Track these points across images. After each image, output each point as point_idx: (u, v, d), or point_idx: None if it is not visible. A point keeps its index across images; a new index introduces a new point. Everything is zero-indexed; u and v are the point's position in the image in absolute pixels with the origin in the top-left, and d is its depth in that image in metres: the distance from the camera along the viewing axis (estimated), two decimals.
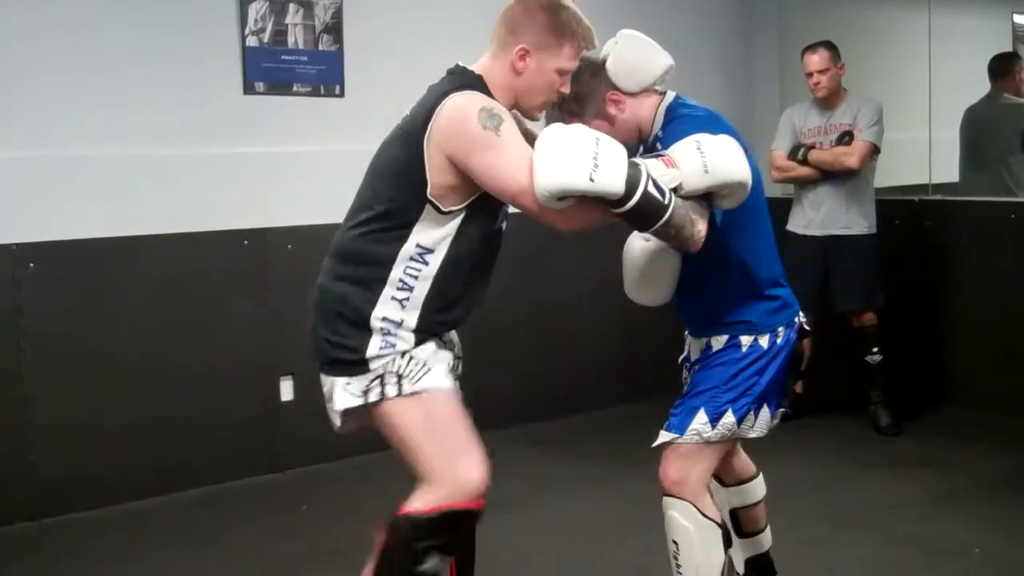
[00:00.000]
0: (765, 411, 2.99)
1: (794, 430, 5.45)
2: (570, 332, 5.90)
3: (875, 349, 5.51)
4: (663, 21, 6.02)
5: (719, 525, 2.98)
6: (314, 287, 2.85)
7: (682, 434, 2.94)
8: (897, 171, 6.04)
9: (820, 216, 5.48)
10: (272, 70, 4.96)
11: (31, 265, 4.44)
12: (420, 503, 2.67)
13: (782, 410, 3.08)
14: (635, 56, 2.95)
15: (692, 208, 2.64)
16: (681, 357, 3.24)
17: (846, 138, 5.41)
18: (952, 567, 3.89)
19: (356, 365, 2.69)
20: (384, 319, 2.67)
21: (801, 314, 3.08)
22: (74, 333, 4.54)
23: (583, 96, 2.88)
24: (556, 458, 5.19)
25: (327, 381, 2.81)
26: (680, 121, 2.91)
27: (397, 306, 2.67)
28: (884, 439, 5.41)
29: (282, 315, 5.02)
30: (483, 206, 2.67)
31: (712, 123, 2.89)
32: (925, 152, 6.12)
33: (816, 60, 5.42)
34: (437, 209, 2.63)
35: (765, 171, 5.88)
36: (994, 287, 5.70)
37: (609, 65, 2.93)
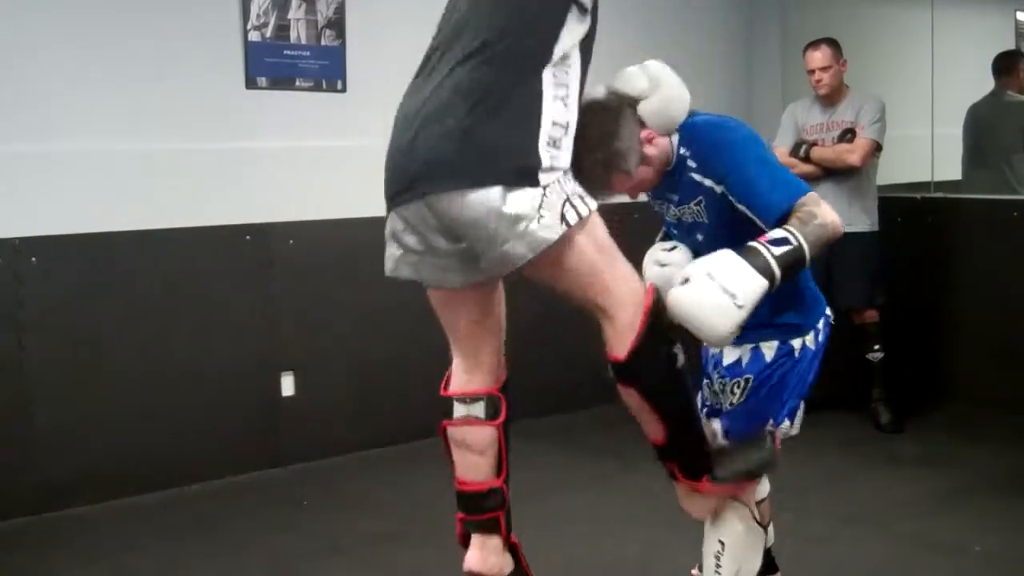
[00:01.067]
0: (801, 405, 3.02)
1: None
2: (569, 329, 5.88)
3: (876, 347, 5.51)
4: (665, 17, 6.04)
5: (765, 530, 3.00)
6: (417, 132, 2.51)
7: None
8: (899, 168, 6.03)
9: None
10: (274, 65, 4.96)
11: (33, 260, 4.44)
12: (627, 335, 2.53)
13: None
14: (675, 99, 2.84)
15: (805, 218, 2.64)
16: (708, 362, 3.11)
17: (848, 135, 5.40)
18: (953, 565, 3.89)
19: (521, 175, 2.34)
20: (555, 124, 2.40)
21: (828, 309, 3.05)
22: (76, 328, 4.54)
23: (625, 151, 2.73)
24: (556, 456, 5.19)
25: (473, 205, 2.35)
26: (699, 130, 2.85)
27: (561, 106, 2.43)
28: (885, 437, 5.40)
29: (284, 310, 5.02)
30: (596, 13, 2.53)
31: (724, 123, 2.88)
32: (928, 149, 6.11)
33: (818, 57, 5.41)
34: (580, 7, 2.46)
35: None
36: (996, 284, 5.69)
37: (648, 108, 2.79)
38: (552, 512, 4.41)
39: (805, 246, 2.60)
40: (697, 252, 2.88)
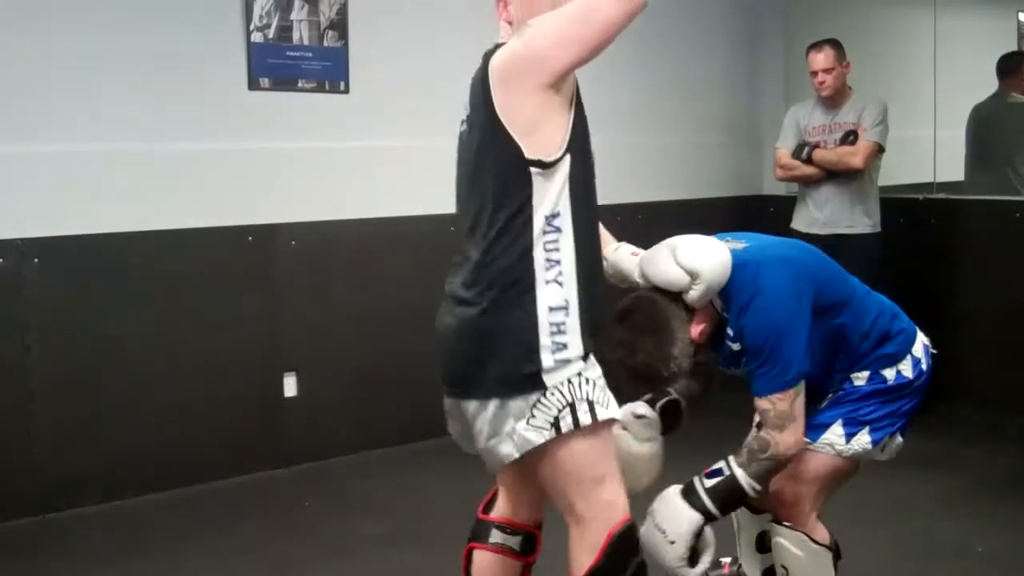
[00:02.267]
0: (899, 437, 3.03)
1: None
2: None
3: None
4: (669, 20, 6.03)
5: (829, 548, 2.99)
6: (443, 329, 2.51)
7: (814, 442, 2.92)
8: (902, 169, 6.03)
9: (824, 215, 5.47)
10: (277, 66, 4.96)
11: (36, 260, 4.44)
12: (584, 557, 2.49)
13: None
14: (716, 280, 2.79)
15: (757, 450, 2.75)
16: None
17: (850, 137, 5.40)
18: (955, 566, 3.89)
19: (525, 381, 2.36)
20: (552, 309, 2.36)
21: (921, 334, 3.09)
22: (78, 328, 4.54)
23: (680, 356, 2.77)
24: None
25: (477, 411, 2.43)
26: (739, 298, 2.82)
27: (556, 288, 2.37)
28: None
29: (286, 311, 5.03)
30: (579, 132, 2.41)
31: (765, 293, 2.83)
32: (930, 151, 6.11)
33: (821, 59, 5.41)
34: (543, 165, 2.35)
35: (769, 169, 5.92)
36: (998, 286, 5.69)
37: (694, 298, 2.78)
38: (553, 512, 4.41)
39: (742, 480, 2.77)
40: None
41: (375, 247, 5.21)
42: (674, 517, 2.74)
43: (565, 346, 2.36)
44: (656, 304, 2.79)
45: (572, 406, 2.36)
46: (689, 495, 2.77)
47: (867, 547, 4.05)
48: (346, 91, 5.14)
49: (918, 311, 5.82)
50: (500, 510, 2.77)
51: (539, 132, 2.34)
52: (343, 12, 5.10)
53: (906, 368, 2.96)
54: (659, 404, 3.00)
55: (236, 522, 4.44)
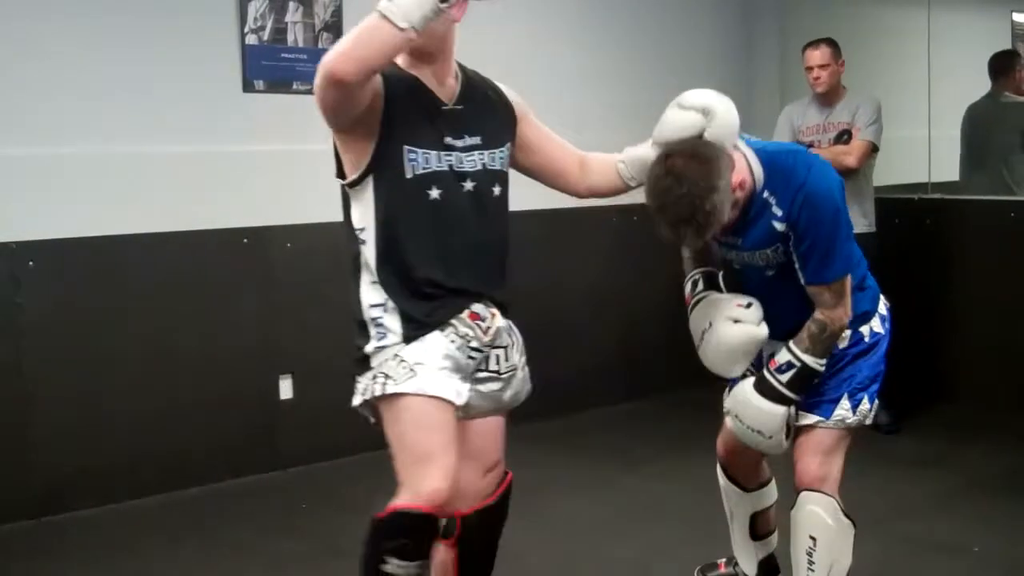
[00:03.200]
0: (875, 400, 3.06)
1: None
2: (570, 331, 5.90)
3: None
4: (663, 18, 6.05)
5: (855, 526, 3.03)
6: None
7: (828, 418, 2.99)
8: (897, 169, 6.03)
9: None
10: (272, 68, 4.96)
11: (31, 263, 4.44)
12: (386, 505, 2.67)
13: None
14: (731, 118, 2.78)
15: (816, 331, 2.87)
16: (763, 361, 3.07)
17: (844, 137, 5.40)
18: (951, 565, 3.89)
19: (361, 363, 2.70)
20: (371, 306, 2.68)
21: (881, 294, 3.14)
22: (74, 331, 4.54)
23: (721, 205, 2.68)
24: (557, 457, 5.19)
25: None
26: (793, 179, 2.83)
27: (378, 288, 2.68)
28: (883, 438, 5.40)
29: (281, 313, 5.03)
30: (387, 162, 2.66)
31: (825, 182, 2.87)
32: (925, 150, 6.12)
33: (817, 55, 5.41)
34: (350, 185, 2.70)
35: None
36: (994, 285, 5.70)
37: (719, 133, 2.75)
38: (553, 513, 4.42)
39: (812, 365, 2.88)
40: (765, 286, 2.96)
41: None
42: (765, 419, 2.91)
43: (384, 335, 2.67)
44: (702, 141, 2.73)
45: (375, 377, 2.65)
46: (769, 393, 2.90)
47: (864, 546, 4.04)
48: None
49: (914, 311, 5.89)
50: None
51: (348, 155, 2.76)
52: (338, 14, 5.10)
53: (877, 324, 3.06)
54: None
55: (233, 525, 4.44)
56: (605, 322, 5.98)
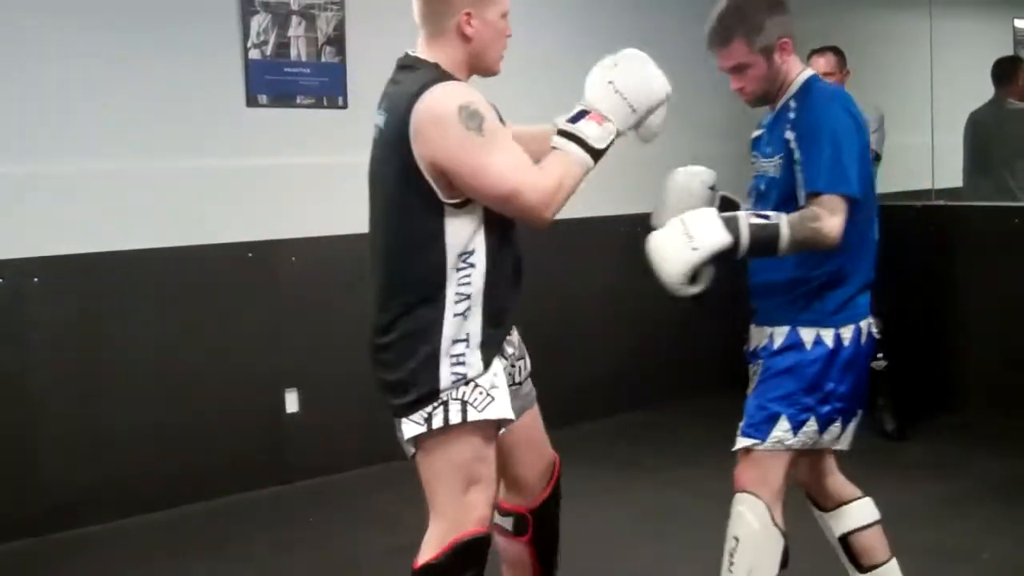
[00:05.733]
0: (852, 424, 2.97)
1: None
2: (581, 340, 5.90)
3: (880, 354, 5.49)
4: (664, 26, 6.04)
5: (784, 539, 2.91)
6: (372, 328, 2.75)
7: (763, 441, 2.88)
8: (900, 177, 6.03)
9: None
10: (275, 83, 4.97)
11: (35, 280, 4.44)
12: (428, 549, 2.65)
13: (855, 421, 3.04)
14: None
15: (808, 216, 2.72)
16: (746, 348, 3.11)
17: None
18: (961, 571, 3.89)
19: (427, 399, 2.58)
20: (453, 342, 2.56)
21: (871, 320, 2.97)
22: (79, 347, 4.54)
23: (760, 26, 2.90)
24: (568, 466, 5.10)
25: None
26: (813, 94, 2.93)
27: (460, 320, 2.57)
28: (890, 444, 5.40)
29: (287, 327, 5.03)
30: None
31: (841, 98, 2.93)
32: (928, 158, 6.12)
33: (823, 63, 5.42)
34: (456, 205, 2.51)
35: None
36: (999, 291, 5.70)
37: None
38: (564, 522, 4.37)
39: (785, 234, 2.70)
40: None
41: None
42: (707, 229, 2.68)
43: (463, 373, 2.58)
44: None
45: (445, 404, 2.55)
46: (729, 222, 2.70)
47: None
48: (344, 106, 5.15)
49: (920, 318, 5.88)
50: (500, 493, 2.95)
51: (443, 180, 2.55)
52: (340, 28, 5.11)
53: (827, 336, 2.87)
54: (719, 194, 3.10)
55: (241, 539, 4.43)
56: (615, 332, 5.97)
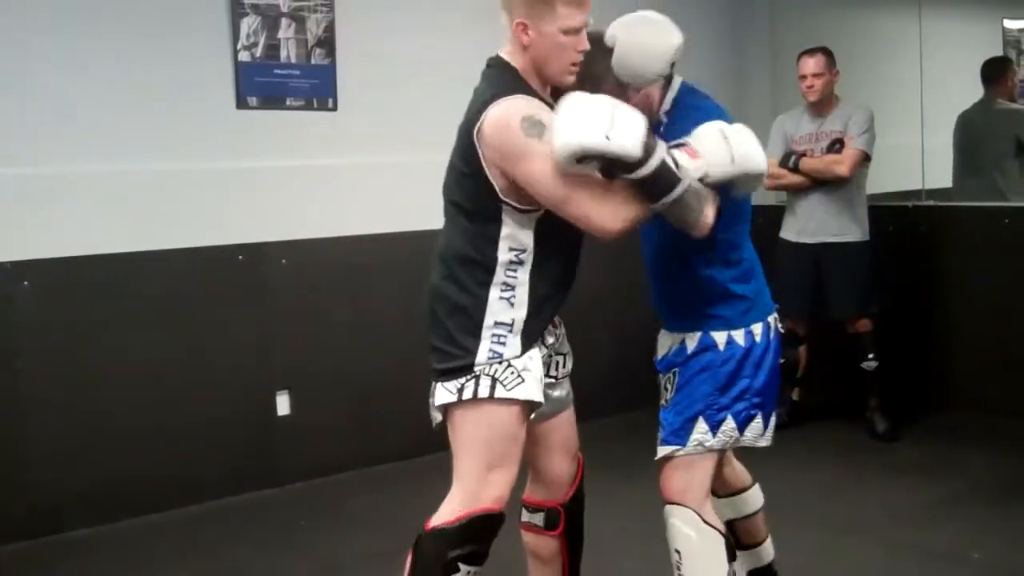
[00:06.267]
0: (772, 420, 2.99)
1: (790, 437, 5.44)
2: (576, 342, 5.87)
3: (871, 355, 5.51)
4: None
5: (723, 535, 2.95)
6: (427, 287, 2.84)
7: (684, 445, 2.91)
8: (890, 177, 6.04)
9: (813, 224, 5.48)
10: (265, 84, 4.96)
11: (25, 283, 4.43)
12: (444, 513, 2.76)
13: (774, 418, 3.06)
14: (627, 58, 2.81)
15: (703, 192, 2.65)
16: (655, 358, 3.16)
17: (836, 146, 5.41)
18: (951, 573, 3.89)
19: (464, 370, 2.73)
20: (496, 323, 2.72)
21: (776, 316, 3.03)
22: (69, 350, 4.53)
23: (597, 76, 2.78)
24: None
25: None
26: (688, 109, 2.89)
27: (507, 305, 2.73)
28: (881, 445, 5.41)
29: (278, 329, 5.02)
30: None
31: (718, 114, 2.87)
32: (918, 158, 6.13)
33: (812, 64, 5.43)
34: (515, 208, 2.67)
35: None
36: (988, 292, 5.71)
37: (613, 61, 2.80)
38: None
39: (677, 193, 2.58)
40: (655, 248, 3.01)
41: (366, 264, 5.20)
42: (631, 131, 2.52)
43: (501, 352, 2.73)
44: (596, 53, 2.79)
45: (477, 378, 2.70)
46: (651, 144, 2.55)
47: (863, 554, 4.05)
48: (334, 108, 5.14)
49: (909, 318, 5.90)
50: (527, 490, 3.09)
51: (514, 187, 2.68)
52: (330, 30, 5.11)
53: (739, 336, 2.92)
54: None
55: (231, 542, 4.42)
56: (603, 332, 5.97)
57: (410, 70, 5.24)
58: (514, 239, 2.70)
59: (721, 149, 2.65)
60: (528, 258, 2.72)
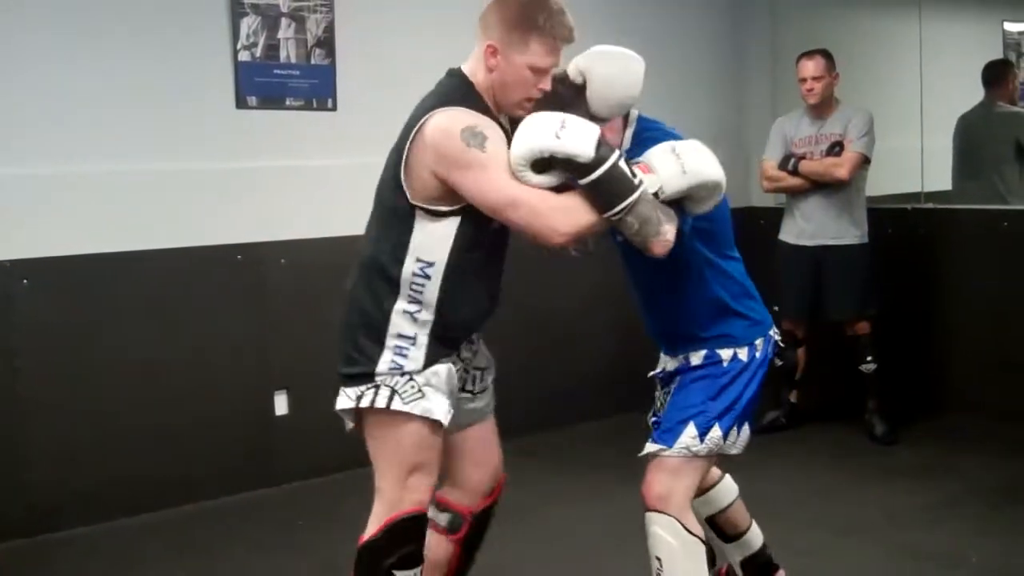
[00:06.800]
0: (746, 428, 3.00)
1: (789, 439, 5.46)
2: (564, 343, 5.89)
3: (869, 358, 5.51)
4: (654, 31, 6.05)
5: (703, 542, 2.96)
6: (344, 292, 2.87)
7: (671, 447, 2.92)
8: (890, 179, 6.05)
9: (812, 226, 5.48)
10: (264, 84, 4.96)
11: (24, 281, 4.43)
12: (370, 527, 2.81)
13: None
14: (605, 91, 2.83)
15: (661, 208, 2.65)
16: (653, 373, 3.21)
17: (836, 148, 5.41)
18: (949, 575, 3.89)
19: (362, 375, 2.75)
20: (399, 335, 2.72)
21: (775, 330, 3.09)
22: (68, 349, 4.53)
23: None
24: (551, 469, 5.18)
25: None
26: (645, 139, 2.90)
27: (410, 320, 2.72)
28: (879, 448, 5.41)
29: (276, 329, 5.02)
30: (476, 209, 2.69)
31: (671, 136, 2.91)
32: (917, 160, 6.13)
33: (811, 66, 5.43)
34: (428, 213, 2.68)
35: (757, 181, 5.93)
36: (987, 294, 5.71)
37: (591, 94, 2.82)
38: (548, 526, 4.41)
39: (632, 201, 2.59)
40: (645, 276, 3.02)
41: None
42: (582, 135, 2.58)
43: (402, 364, 2.74)
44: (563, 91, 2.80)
45: (377, 388, 2.72)
46: (603, 146, 2.59)
47: (860, 557, 4.05)
48: (334, 108, 5.14)
49: (907, 321, 5.90)
50: (443, 489, 3.05)
51: (432, 193, 2.70)
52: (330, 30, 5.11)
53: (744, 354, 2.97)
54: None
55: (229, 542, 4.42)
56: (598, 334, 5.97)
57: (410, 70, 5.20)
58: (423, 249, 2.70)
59: (672, 163, 2.67)
60: (436, 272, 2.70)
